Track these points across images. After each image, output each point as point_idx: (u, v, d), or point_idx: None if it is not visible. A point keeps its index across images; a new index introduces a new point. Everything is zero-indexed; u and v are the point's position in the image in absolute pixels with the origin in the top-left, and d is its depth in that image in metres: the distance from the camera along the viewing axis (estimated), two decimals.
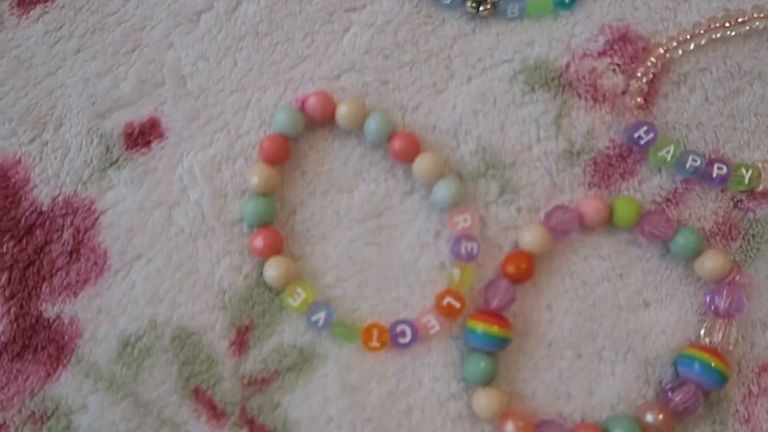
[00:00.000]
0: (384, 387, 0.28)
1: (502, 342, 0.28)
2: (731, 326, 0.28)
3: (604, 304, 0.29)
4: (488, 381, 0.28)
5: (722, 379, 0.27)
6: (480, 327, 0.27)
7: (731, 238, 0.29)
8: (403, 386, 0.28)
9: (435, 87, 0.30)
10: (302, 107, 0.30)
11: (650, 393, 0.28)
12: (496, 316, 0.28)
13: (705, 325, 0.28)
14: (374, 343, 0.28)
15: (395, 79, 0.30)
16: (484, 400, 0.27)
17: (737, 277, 0.28)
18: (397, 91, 0.30)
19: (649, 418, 0.27)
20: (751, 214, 0.29)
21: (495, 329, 0.27)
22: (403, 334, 0.28)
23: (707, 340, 0.28)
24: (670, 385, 0.28)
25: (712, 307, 0.28)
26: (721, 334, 0.28)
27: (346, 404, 0.28)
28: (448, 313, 0.28)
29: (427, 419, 0.28)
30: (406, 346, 0.28)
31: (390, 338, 0.28)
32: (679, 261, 0.29)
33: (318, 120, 0.30)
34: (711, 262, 0.28)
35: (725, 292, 0.28)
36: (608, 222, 0.29)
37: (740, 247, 0.29)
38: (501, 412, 0.28)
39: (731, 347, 0.28)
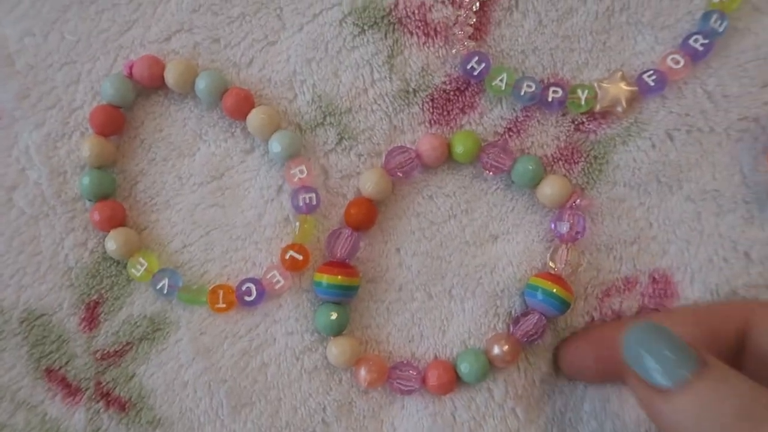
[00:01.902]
0: (237, 346, 0.28)
1: (349, 291, 0.28)
2: (573, 251, 0.28)
3: (452, 241, 0.29)
4: (339, 331, 0.28)
5: (564, 305, 0.27)
6: (324, 279, 0.27)
7: (574, 161, 0.29)
8: (256, 344, 0.28)
9: (267, 39, 0.30)
10: (130, 74, 0.29)
11: (500, 325, 0.29)
12: (340, 266, 0.28)
13: (549, 252, 0.28)
14: (221, 304, 0.28)
15: (226, 35, 0.30)
16: (337, 350, 0.28)
17: (578, 201, 0.28)
18: (229, 48, 0.30)
19: (496, 349, 0.27)
20: (592, 136, 0.29)
21: (339, 279, 0.27)
22: (248, 292, 0.28)
23: (551, 266, 0.28)
24: (516, 316, 0.28)
25: (557, 233, 0.28)
26: (564, 260, 0.28)
27: (201, 367, 0.28)
28: (292, 266, 0.28)
29: (283, 373, 0.28)
30: (253, 303, 0.28)
31: (237, 297, 0.28)
32: (523, 190, 0.29)
33: (148, 85, 0.29)
34: (551, 188, 0.28)
35: (566, 216, 0.28)
36: (449, 158, 0.29)
37: (582, 169, 0.29)
38: (354, 360, 0.28)
39: (575, 272, 0.28)
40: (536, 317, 0.27)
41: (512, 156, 0.28)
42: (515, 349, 0.27)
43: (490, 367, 0.28)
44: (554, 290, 0.27)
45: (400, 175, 0.28)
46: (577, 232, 0.28)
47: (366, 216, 0.28)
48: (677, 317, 0.27)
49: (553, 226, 0.28)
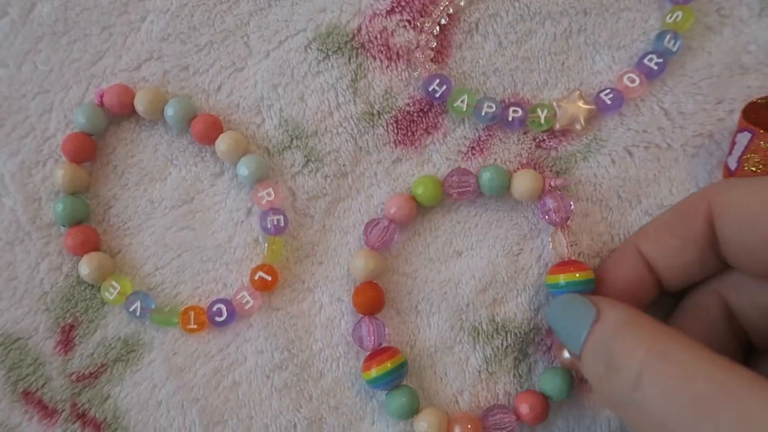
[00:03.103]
0: (209, 366, 0.29)
1: (401, 370, 0.28)
2: (569, 232, 0.28)
3: (417, 257, 0.30)
4: (416, 409, 0.28)
5: (591, 283, 0.27)
6: (374, 372, 0.28)
7: None
8: (227, 363, 0.29)
9: (234, 66, 0.30)
10: (101, 103, 0.30)
11: (465, 338, 0.29)
12: (382, 353, 0.28)
13: (550, 240, 0.29)
14: (192, 325, 0.29)
15: (195, 63, 0.31)
16: (427, 424, 0.28)
17: (553, 183, 0.28)
18: (198, 75, 0.30)
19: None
20: (553, 152, 0.30)
21: (388, 366, 0.28)
22: (219, 313, 0.29)
23: (555, 253, 0.29)
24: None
25: (549, 220, 0.28)
26: (566, 243, 0.28)
27: (174, 387, 0.29)
28: (261, 287, 0.29)
29: (254, 391, 0.29)
30: (224, 324, 0.29)
31: (208, 318, 0.29)
32: (487, 206, 0.30)
33: (119, 113, 0.30)
34: (522, 183, 0.28)
35: (549, 201, 0.28)
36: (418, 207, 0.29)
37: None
38: (440, 424, 0.28)
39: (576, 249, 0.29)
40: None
41: (473, 174, 0.29)
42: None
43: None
44: (577, 275, 0.27)
45: (380, 246, 0.29)
46: (567, 211, 0.28)
47: (376, 298, 0.28)
48: (652, 232, 0.27)
49: (541, 215, 0.29)
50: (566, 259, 0.28)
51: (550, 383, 0.28)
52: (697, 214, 0.25)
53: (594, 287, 0.27)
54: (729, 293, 0.25)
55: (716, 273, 0.26)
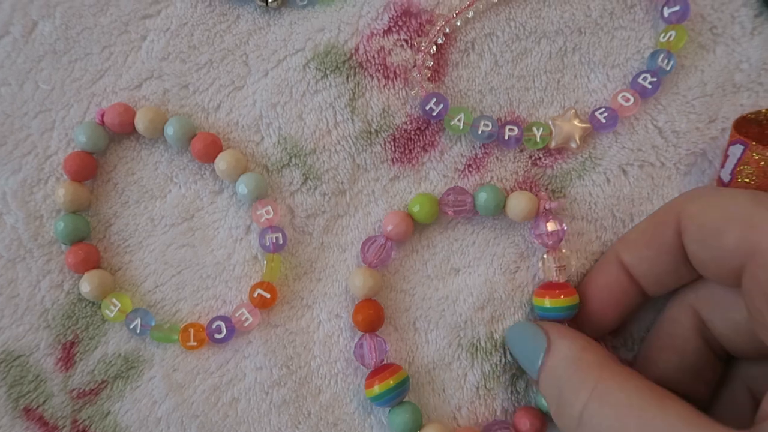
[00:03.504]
0: (208, 382, 0.29)
1: (403, 386, 0.29)
2: (561, 255, 0.29)
3: (414, 275, 0.30)
4: (420, 424, 0.29)
5: (573, 308, 0.28)
6: (377, 389, 0.28)
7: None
8: (226, 379, 0.29)
9: (234, 85, 0.31)
10: (102, 121, 0.30)
11: (464, 355, 0.30)
12: (383, 370, 0.28)
13: (540, 263, 0.29)
14: (192, 342, 0.29)
15: (194, 81, 0.31)
16: None
17: (548, 205, 0.29)
18: (198, 94, 0.31)
19: None
20: (549, 170, 0.30)
21: (391, 383, 0.28)
22: (219, 330, 0.29)
23: (544, 276, 0.29)
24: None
25: (540, 242, 0.29)
26: (554, 267, 0.29)
27: (173, 404, 0.29)
28: (260, 304, 0.29)
29: (253, 408, 0.29)
30: (223, 340, 0.29)
31: (207, 335, 0.29)
32: (484, 223, 0.30)
33: (119, 131, 0.30)
34: (518, 204, 0.29)
35: (542, 223, 0.29)
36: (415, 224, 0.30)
37: None
38: None
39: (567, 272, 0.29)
40: None
41: (469, 194, 0.29)
42: None
43: None
44: (561, 298, 0.28)
45: (378, 263, 0.29)
46: (559, 235, 0.29)
47: (376, 316, 0.29)
48: (631, 241, 0.27)
49: (533, 237, 0.29)
50: (554, 281, 0.29)
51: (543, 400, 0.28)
52: (668, 224, 0.26)
53: (577, 311, 0.28)
54: (702, 307, 0.26)
55: (692, 281, 0.27)
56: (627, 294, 0.27)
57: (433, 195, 0.30)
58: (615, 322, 0.28)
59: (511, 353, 0.29)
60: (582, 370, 0.24)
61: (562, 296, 0.28)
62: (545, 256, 0.29)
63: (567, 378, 0.24)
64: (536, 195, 0.29)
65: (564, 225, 0.29)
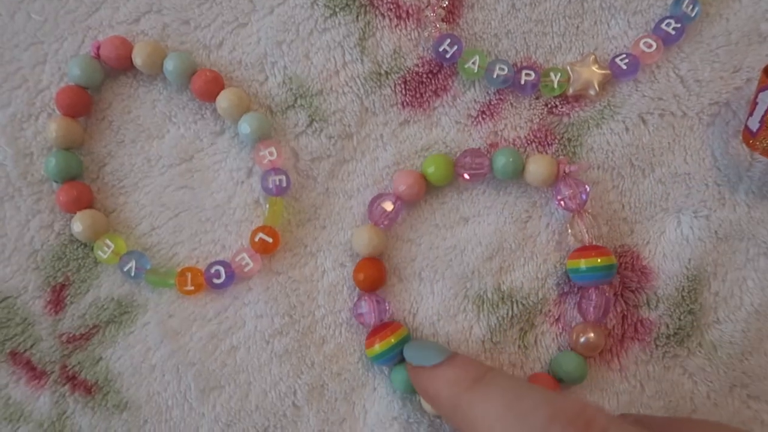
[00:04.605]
0: (206, 329, 0.28)
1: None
2: (588, 217, 0.28)
3: (421, 224, 0.29)
4: None
5: (612, 268, 0.27)
6: (378, 347, 0.27)
7: (547, 143, 0.29)
8: (225, 327, 0.28)
9: (237, 21, 0.29)
10: (97, 55, 0.29)
11: (470, 307, 0.28)
12: (385, 328, 0.27)
13: (568, 226, 0.28)
14: (189, 287, 0.28)
15: (196, 17, 0.29)
16: None
17: (568, 169, 0.28)
18: (199, 30, 0.29)
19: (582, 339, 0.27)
20: (566, 119, 0.29)
21: (392, 341, 0.27)
22: (217, 275, 0.28)
23: (571, 239, 0.28)
24: (577, 302, 0.28)
25: (564, 207, 0.28)
26: (584, 229, 0.28)
27: (168, 351, 0.28)
28: (262, 249, 0.28)
29: (253, 357, 0.28)
30: (222, 286, 0.28)
31: (205, 280, 0.28)
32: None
33: (116, 66, 0.29)
34: (537, 168, 0.27)
35: (564, 187, 0.28)
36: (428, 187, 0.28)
37: (556, 151, 0.29)
38: None
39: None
40: (596, 293, 0.27)
41: (486, 156, 0.28)
42: (600, 334, 0.27)
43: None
44: (599, 260, 0.27)
45: (386, 224, 0.28)
46: (582, 197, 0.27)
47: (377, 276, 0.28)
48: None
49: (556, 202, 0.28)
50: (587, 244, 0.28)
51: (564, 366, 0.27)
52: None
53: (615, 272, 0.27)
54: None
55: None
56: None
57: (448, 156, 0.28)
58: None
59: (406, 354, 0.27)
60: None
61: (599, 259, 0.27)
62: (573, 219, 0.28)
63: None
64: (555, 159, 0.28)
65: (587, 186, 0.27)
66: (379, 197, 0.28)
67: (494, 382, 0.23)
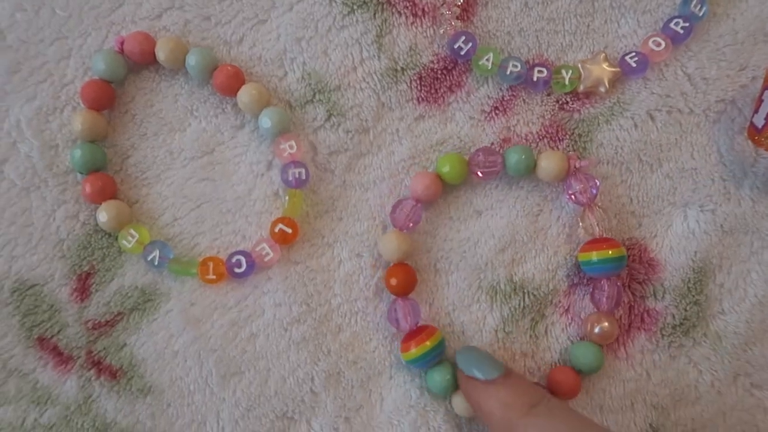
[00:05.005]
0: (226, 317, 0.29)
1: (439, 349, 0.28)
2: (598, 211, 0.29)
3: (437, 216, 0.30)
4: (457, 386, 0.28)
5: (623, 260, 0.28)
6: (414, 352, 0.28)
7: (558, 139, 0.30)
8: (245, 315, 0.29)
9: (257, 18, 0.30)
10: (121, 50, 0.29)
11: (483, 297, 0.29)
12: (420, 332, 0.28)
13: (579, 220, 0.29)
14: (211, 276, 0.29)
15: (217, 13, 0.30)
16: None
17: (578, 164, 0.28)
18: (220, 26, 0.30)
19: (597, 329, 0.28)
20: (576, 115, 0.30)
21: (428, 345, 0.28)
22: (238, 264, 0.29)
23: (582, 232, 0.29)
24: (591, 292, 0.29)
25: (575, 201, 0.29)
26: (595, 223, 0.28)
27: (191, 337, 0.29)
28: (281, 239, 0.29)
29: (272, 344, 0.29)
30: (243, 275, 0.29)
31: (226, 269, 0.29)
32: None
33: (139, 61, 0.29)
34: (549, 164, 0.28)
35: (574, 182, 0.28)
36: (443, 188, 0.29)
37: (567, 146, 0.30)
38: None
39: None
40: (608, 284, 0.28)
41: (499, 154, 0.29)
42: (613, 323, 0.28)
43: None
44: (609, 252, 0.27)
45: (411, 225, 0.29)
46: (592, 192, 0.28)
47: (409, 280, 0.28)
48: None
49: (567, 196, 0.29)
50: (598, 237, 0.28)
51: (581, 358, 0.28)
52: None
53: (626, 263, 0.28)
54: None
55: None
56: None
57: (462, 156, 0.29)
58: None
59: (459, 361, 0.28)
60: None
61: (609, 251, 0.27)
62: (584, 213, 0.29)
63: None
64: (566, 154, 0.28)
65: (597, 181, 0.28)
66: (399, 203, 0.29)
67: (549, 414, 0.24)
